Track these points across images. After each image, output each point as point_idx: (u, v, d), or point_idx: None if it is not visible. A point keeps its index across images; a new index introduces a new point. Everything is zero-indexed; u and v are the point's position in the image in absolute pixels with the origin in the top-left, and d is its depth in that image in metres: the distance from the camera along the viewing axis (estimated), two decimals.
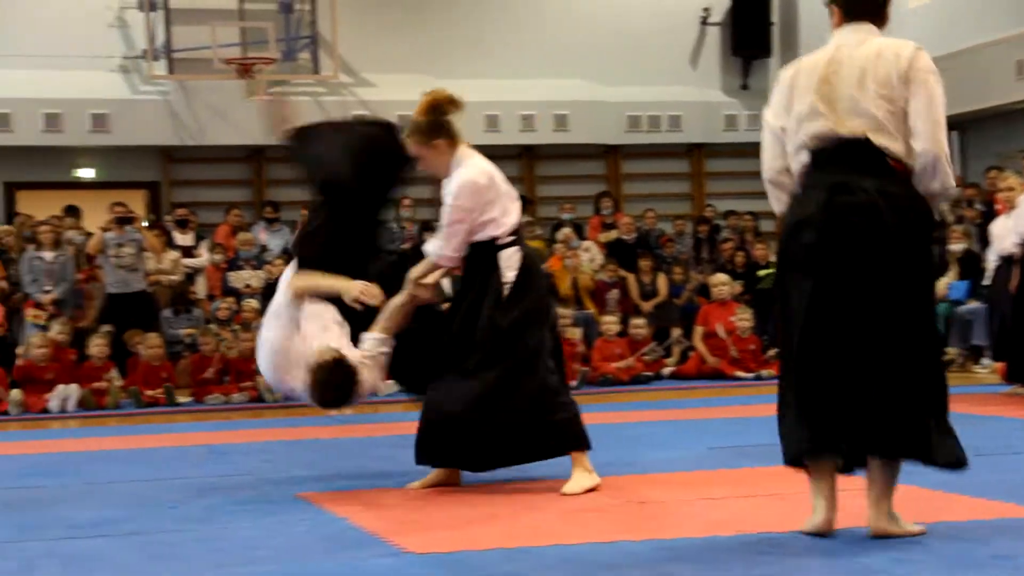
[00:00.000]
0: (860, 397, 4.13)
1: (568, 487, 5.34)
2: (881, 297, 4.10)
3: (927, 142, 4.13)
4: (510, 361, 5.38)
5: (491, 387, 5.36)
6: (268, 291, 13.58)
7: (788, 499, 5.09)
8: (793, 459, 4.34)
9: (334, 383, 5.43)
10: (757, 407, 9.50)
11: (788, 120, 4.34)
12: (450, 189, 5.49)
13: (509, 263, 5.48)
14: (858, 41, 4.28)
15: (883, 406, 4.12)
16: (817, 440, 4.23)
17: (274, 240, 14.78)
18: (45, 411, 11.11)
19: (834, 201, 4.14)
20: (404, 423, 9.25)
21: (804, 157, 4.31)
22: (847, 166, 4.16)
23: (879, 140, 4.15)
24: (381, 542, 4.41)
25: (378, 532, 4.57)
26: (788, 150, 4.38)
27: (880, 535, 4.20)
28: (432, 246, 5.61)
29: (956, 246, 13.23)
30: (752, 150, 18.46)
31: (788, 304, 4.27)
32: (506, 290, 5.45)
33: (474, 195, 5.45)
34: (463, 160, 5.57)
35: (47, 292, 12.48)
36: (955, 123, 16.12)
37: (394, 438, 8.12)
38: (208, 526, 4.87)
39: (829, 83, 4.23)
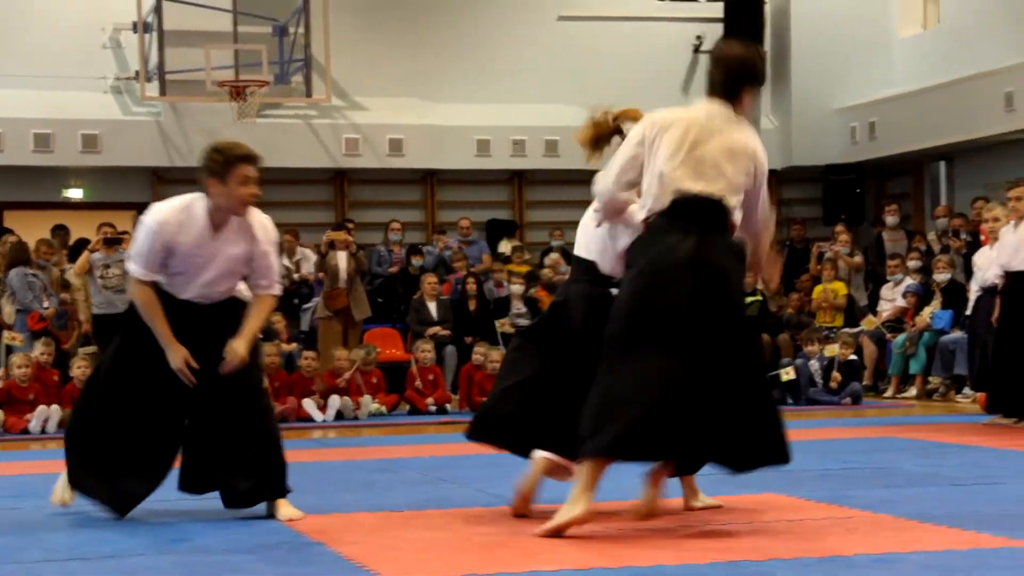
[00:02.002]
0: None
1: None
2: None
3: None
4: None
5: None
6: None
7: (764, 527, 5.11)
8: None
9: None
10: None
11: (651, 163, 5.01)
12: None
13: None
14: (726, 118, 5.04)
15: None
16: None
17: None
18: (25, 431, 11.09)
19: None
20: (382, 447, 9.30)
21: (659, 205, 4.94)
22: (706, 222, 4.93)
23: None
24: (358, 568, 4.41)
25: (355, 558, 4.58)
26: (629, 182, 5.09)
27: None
28: None
29: (941, 276, 13.29)
30: None
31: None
32: None
33: None
34: None
35: (46, 308, 12.52)
36: (944, 153, 16.26)
37: (372, 463, 8.15)
38: (184, 549, 4.88)
39: (699, 147, 4.96)
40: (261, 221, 5.71)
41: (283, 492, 5.65)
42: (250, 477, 5.59)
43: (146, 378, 5.62)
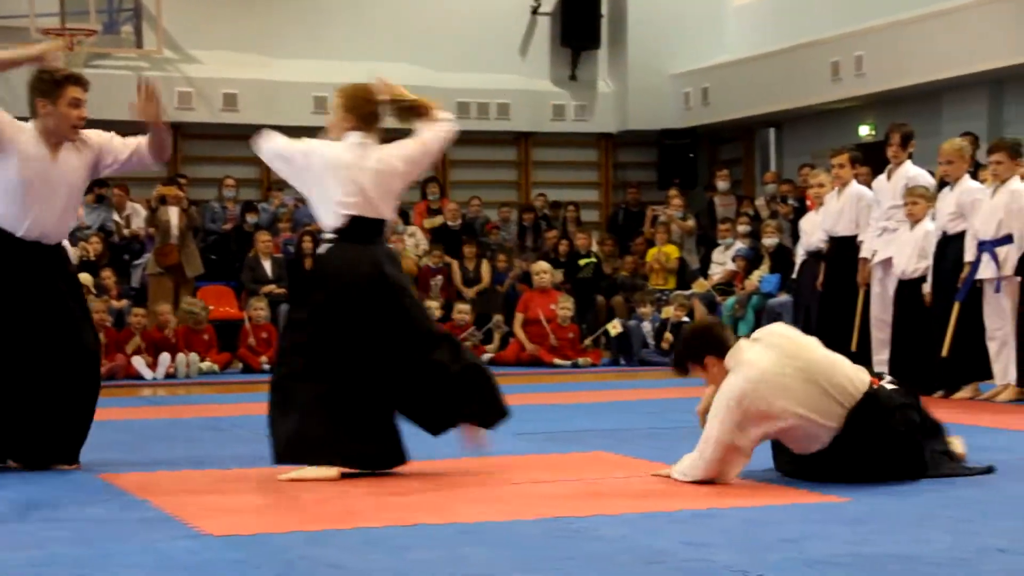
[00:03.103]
0: None
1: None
2: None
3: None
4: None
5: None
6: (83, 268, 13.27)
7: (591, 484, 5.19)
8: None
9: None
10: (573, 394, 9.67)
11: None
12: None
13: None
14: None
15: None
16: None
17: (91, 216, 14.43)
18: None
19: None
20: (212, 405, 9.18)
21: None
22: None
23: None
24: (181, 524, 4.36)
25: (178, 515, 4.51)
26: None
27: None
28: None
29: (769, 240, 13.62)
30: (578, 141, 18.75)
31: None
32: None
33: None
34: None
35: None
36: (772, 120, 16.63)
37: (201, 420, 8.04)
38: (0, 507, 4.75)
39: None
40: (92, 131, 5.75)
41: (77, 460, 5.68)
42: (65, 440, 5.60)
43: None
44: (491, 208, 16.32)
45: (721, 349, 5.12)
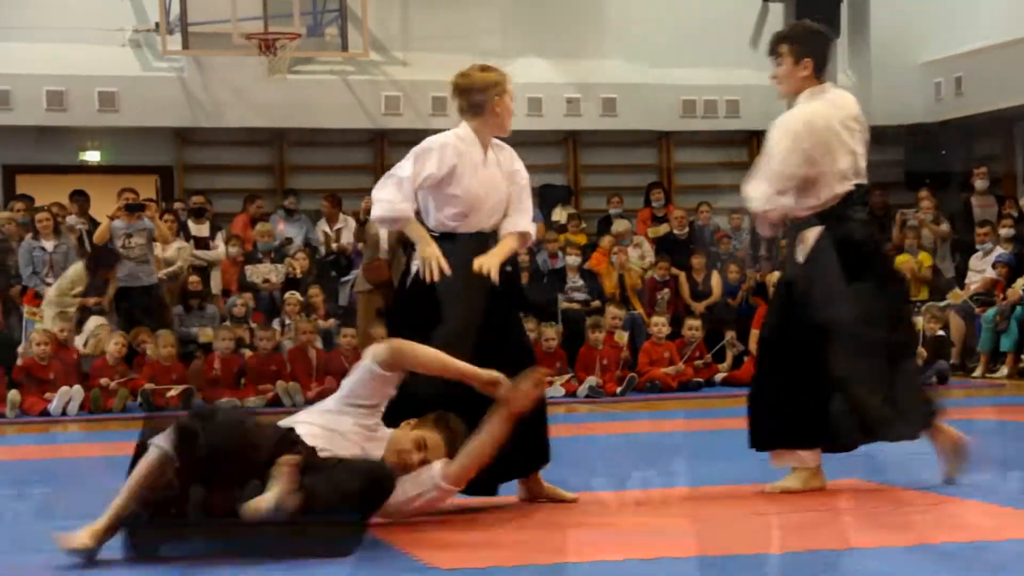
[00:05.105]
0: None
1: None
2: None
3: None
4: None
5: None
6: (288, 286, 13.71)
7: (838, 516, 5.15)
8: None
9: None
10: None
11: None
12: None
13: None
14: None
15: None
16: None
17: (293, 231, 14.86)
18: (45, 413, 11.25)
19: None
20: None
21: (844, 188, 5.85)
22: None
23: None
24: (408, 557, 4.51)
25: (406, 547, 4.67)
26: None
27: None
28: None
29: None
30: None
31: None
32: None
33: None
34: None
35: (48, 284, 12.64)
36: None
37: None
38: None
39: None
40: None
41: None
42: None
43: None
44: (721, 215, 16.23)
45: (821, 68, 5.88)
